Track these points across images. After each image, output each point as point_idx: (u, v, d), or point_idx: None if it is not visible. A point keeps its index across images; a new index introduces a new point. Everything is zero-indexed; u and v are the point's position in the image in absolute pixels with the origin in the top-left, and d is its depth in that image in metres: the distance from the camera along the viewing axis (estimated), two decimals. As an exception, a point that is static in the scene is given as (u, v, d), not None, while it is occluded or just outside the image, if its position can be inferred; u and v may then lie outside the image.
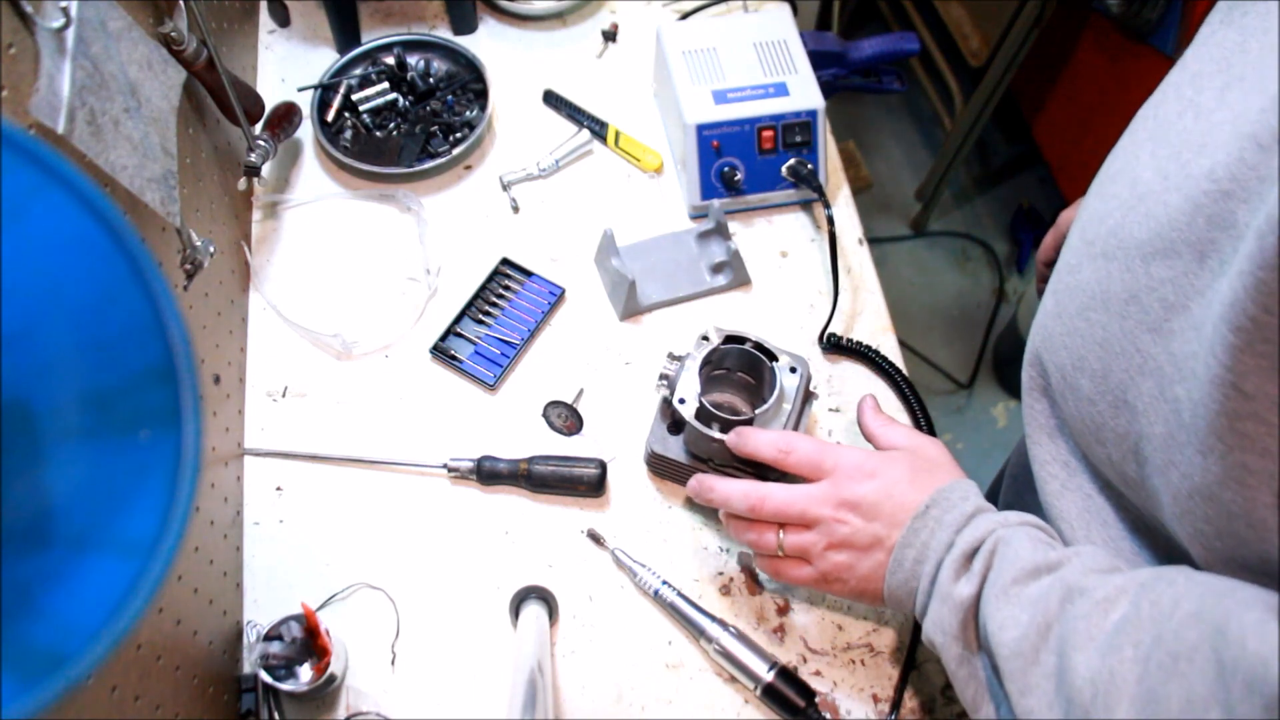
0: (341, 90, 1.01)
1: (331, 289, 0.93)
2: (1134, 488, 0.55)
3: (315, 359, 0.90)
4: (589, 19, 1.12)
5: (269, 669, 0.71)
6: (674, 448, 0.80)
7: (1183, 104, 0.53)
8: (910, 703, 0.77)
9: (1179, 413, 0.47)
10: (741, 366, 0.80)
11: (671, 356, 0.78)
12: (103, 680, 0.55)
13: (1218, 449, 0.44)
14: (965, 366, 2.04)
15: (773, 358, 0.77)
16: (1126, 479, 0.55)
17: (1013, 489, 0.85)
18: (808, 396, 0.77)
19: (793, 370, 0.77)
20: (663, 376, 0.77)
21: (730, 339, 0.78)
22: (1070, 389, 0.58)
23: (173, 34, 0.74)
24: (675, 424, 0.81)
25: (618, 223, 0.94)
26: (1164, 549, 0.57)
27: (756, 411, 0.73)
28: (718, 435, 0.73)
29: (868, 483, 0.67)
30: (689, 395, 0.75)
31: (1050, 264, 0.96)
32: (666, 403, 0.80)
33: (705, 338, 0.78)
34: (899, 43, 1.08)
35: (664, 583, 0.79)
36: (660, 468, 0.83)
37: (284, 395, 0.88)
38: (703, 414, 0.74)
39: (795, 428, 0.75)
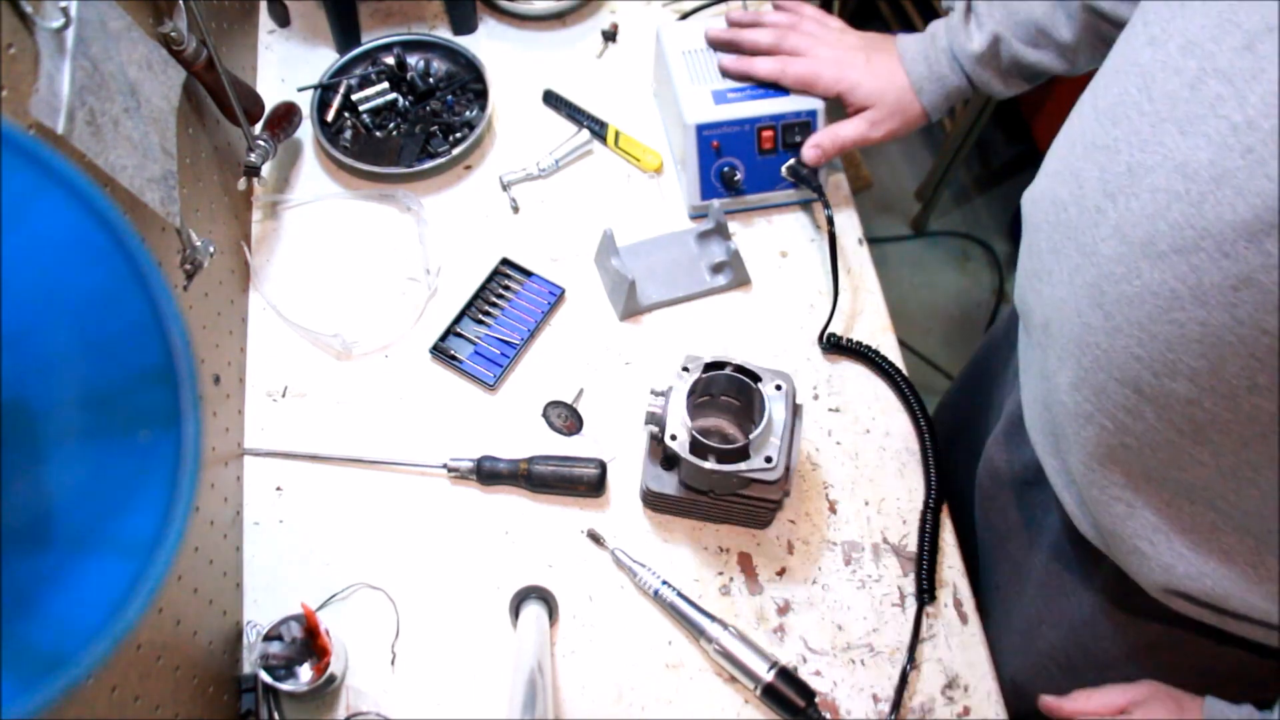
0: (341, 90, 1.01)
1: (331, 289, 0.93)
2: (1241, 480, 0.53)
3: (315, 359, 0.90)
4: (589, 19, 1.12)
5: (269, 669, 0.71)
6: (670, 483, 0.79)
7: (1191, 75, 0.50)
8: (910, 703, 0.77)
9: None
10: (726, 390, 0.79)
11: (654, 393, 0.77)
12: (103, 680, 0.55)
13: None
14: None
15: (756, 379, 0.76)
16: (1238, 473, 0.53)
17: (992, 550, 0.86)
18: (796, 410, 0.77)
19: (778, 388, 0.76)
20: (649, 415, 0.76)
21: (710, 365, 0.77)
22: (1151, 400, 0.55)
23: (172, 34, 0.74)
24: (668, 459, 0.80)
25: (618, 223, 0.94)
26: (1251, 552, 0.57)
27: (750, 437, 0.72)
28: (712, 467, 0.72)
29: None
30: (679, 429, 0.74)
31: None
32: (656, 440, 0.78)
33: (686, 369, 0.77)
34: (899, 43, 1.08)
35: (664, 583, 0.79)
36: (659, 505, 0.83)
37: (284, 395, 0.88)
38: (696, 447, 0.73)
39: (790, 443, 0.74)
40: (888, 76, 0.90)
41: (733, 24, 0.97)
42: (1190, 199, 0.50)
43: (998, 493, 0.86)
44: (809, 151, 0.93)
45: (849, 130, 0.92)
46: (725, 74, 0.95)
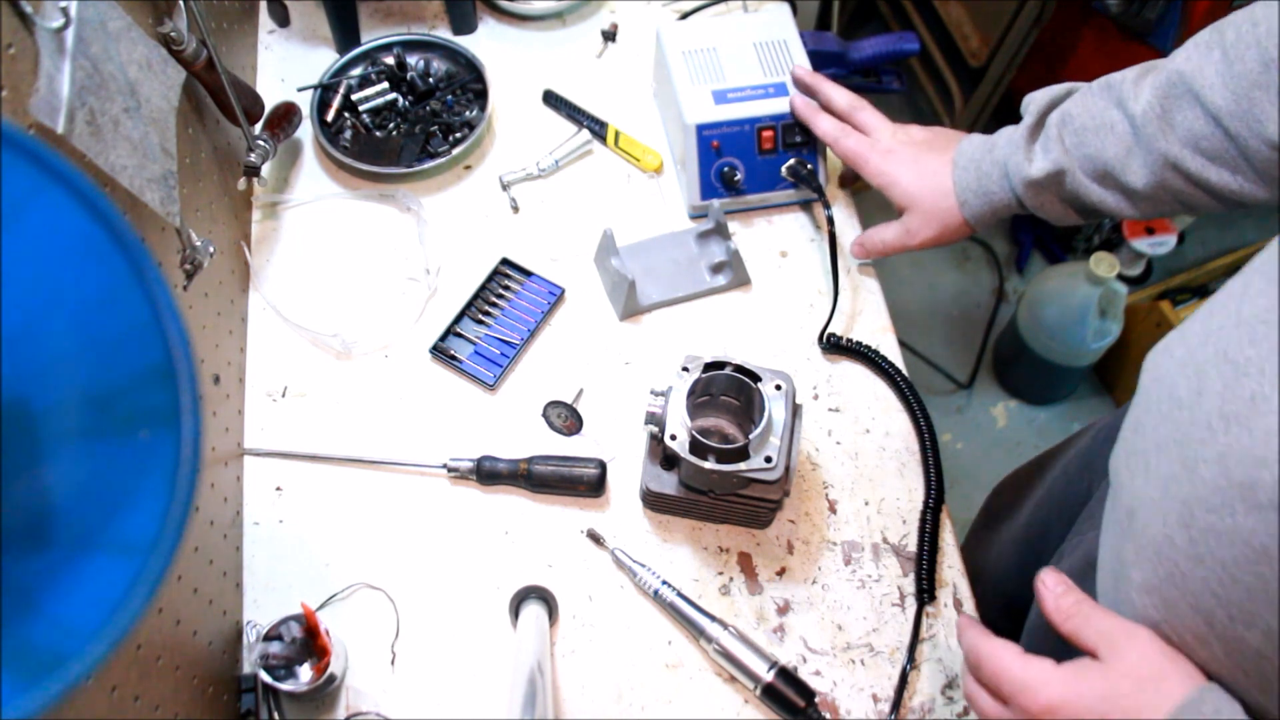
0: (341, 90, 1.01)
1: (331, 289, 0.93)
2: None
3: (315, 359, 0.90)
4: (589, 19, 1.12)
5: (269, 669, 0.71)
6: (670, 483, 0.79)
7: None
8: (910, 702, 0.77)
9: None
10: (726, 390, 0.79)
11: (654, 393, 0.76)
12: (103, 680, 0.55)
13: None
14: (965, 366, 2.03)
15: (756, 379, 0.76)
16: None
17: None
18: (796, 410, 0.77)
19: (778, 388, 0.76)
20: (649, 415, 0.76)
21: (710, 365, 0.77)
22: (1221, 638, 0.51)
23: (172, 34, 0.74)
24: (668, 459, 0.80)
25: (618, 223, 0.94)
26: None
27: (750, 437, 0.72)
28: (712, 467, 0.72)
29: None
30: (679, 429, 0.74)
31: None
32: (656, 440, 0.78)
33: (685, 369, 0.77)
34: (899, 43, 1.08)
35: (664, 583, 0.79)
36: (659, 505, 0.83)
37: (284, 395, 0.88)
38: (696, 447, 0.73)
39: (789, 443, 0.74)
40: (931, 179, 0.85)
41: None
42: None
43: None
44: (853, 248, 0.94)
45: (889, 235, 0.90)
46: (791, 112, 0.95)
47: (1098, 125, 0.75)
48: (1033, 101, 0.80)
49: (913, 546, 0.83)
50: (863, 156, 0.89)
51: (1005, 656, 0.59)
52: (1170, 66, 0.71)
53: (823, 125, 0.92)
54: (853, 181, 1.01)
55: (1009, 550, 0.98)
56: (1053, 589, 0.59)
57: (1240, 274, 0.56)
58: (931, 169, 0.86)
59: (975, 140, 0.85)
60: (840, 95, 0.92)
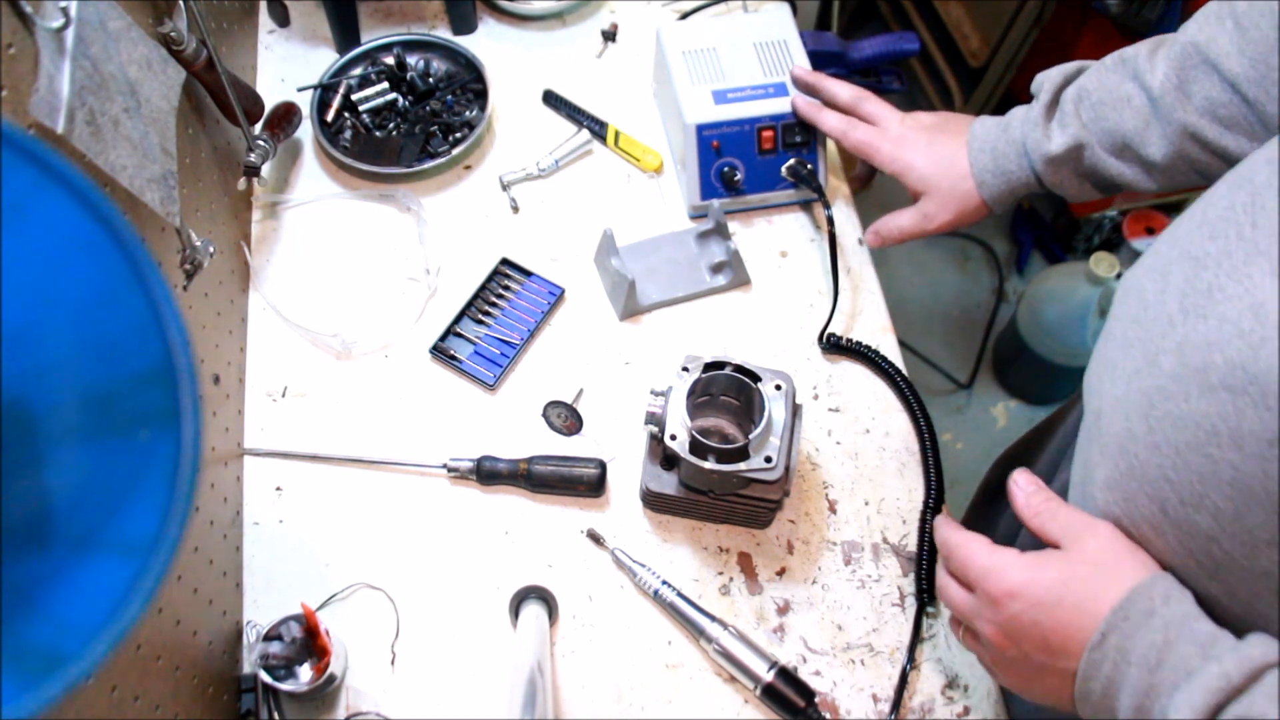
0: (341, 90, 1.01)
1: (331, 289, 0.93)
2: (1252, 624, 0.52)
3: (315, 359, 0.90)
4: (589, 19, 1.12)
5: (269, 669, 0.71)
6: (670, 483, 0.79)
7: None
8: (910, 703, 0.77)
9: None
10: (726, 390, 0.79)
11: (654, 393, 0.77)
12: (103, 680, 0.55)
13: None
14: (965, 366, 2.03)
15: (756, 379, 0.76)
16: (1255, 611, 0.52)
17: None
18: (796, 410, 0.77)
19: (778, 388, 0.76)
20: (649, 415, 0.76)
21: (710, 365, 0.77)
22: (1174, 524, 0.54)
23: (172, 34, 0.74)
24: (668, 459, 0.80)
25: (618, 223, 0.94)
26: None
27: (750, 437, 0.72)
28: (712, 467, 0.72)
29: (1011, 604, 0.59)
30: (679, 429, 0.74)
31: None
32: (656, 440, 0.78)
33: (685, 369, 0.77)
34: (899, 43, 1.08)
35: (664, 583, 0.79)
36: (659, 505, 0.83)
37: (284, 395, 0.88)
38: (696, 447, 0.73)
39: (789, 443, 0.74)
40: (946, 162, 0.85)
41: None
42: (1250, 341, 0.48)
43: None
44: (869, 237, 0.93)
45: (905, 221, 0.89)
46: (794, 113, 0.95)
47: (1115, 99, 0.75)
48: (1046, 79, 0.81)
49: (913, 546, 0.83)
50: (874, 146, 0.89)
51: (973, 545, 0.63)
52: (1182, 39, 0.71)
53: (829, 121, 0.92)
54: (867, 181, 1.00)
55: (1012, 524, 0.98)
56: (1024, 487, 0.63)
57: (1212, 187, 0.58)
58: (945, 152, 0.86)
59: (988, 121, 0.85)
60: (843, 90, 0.92)
